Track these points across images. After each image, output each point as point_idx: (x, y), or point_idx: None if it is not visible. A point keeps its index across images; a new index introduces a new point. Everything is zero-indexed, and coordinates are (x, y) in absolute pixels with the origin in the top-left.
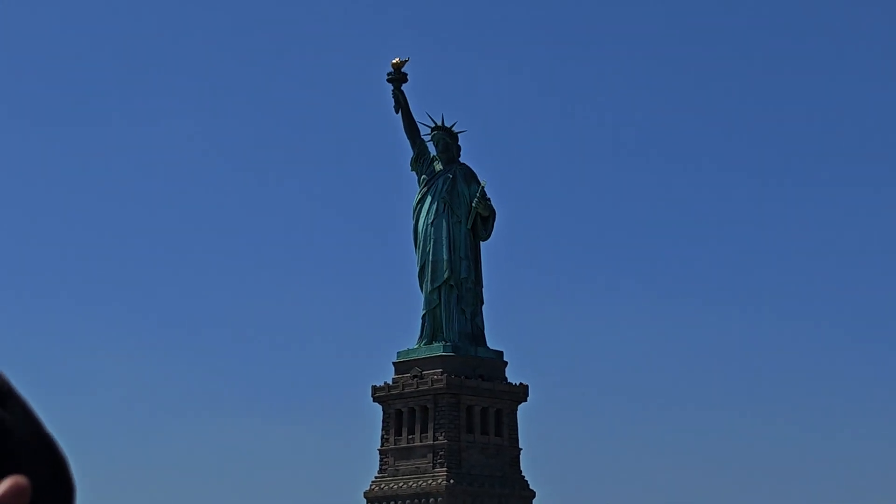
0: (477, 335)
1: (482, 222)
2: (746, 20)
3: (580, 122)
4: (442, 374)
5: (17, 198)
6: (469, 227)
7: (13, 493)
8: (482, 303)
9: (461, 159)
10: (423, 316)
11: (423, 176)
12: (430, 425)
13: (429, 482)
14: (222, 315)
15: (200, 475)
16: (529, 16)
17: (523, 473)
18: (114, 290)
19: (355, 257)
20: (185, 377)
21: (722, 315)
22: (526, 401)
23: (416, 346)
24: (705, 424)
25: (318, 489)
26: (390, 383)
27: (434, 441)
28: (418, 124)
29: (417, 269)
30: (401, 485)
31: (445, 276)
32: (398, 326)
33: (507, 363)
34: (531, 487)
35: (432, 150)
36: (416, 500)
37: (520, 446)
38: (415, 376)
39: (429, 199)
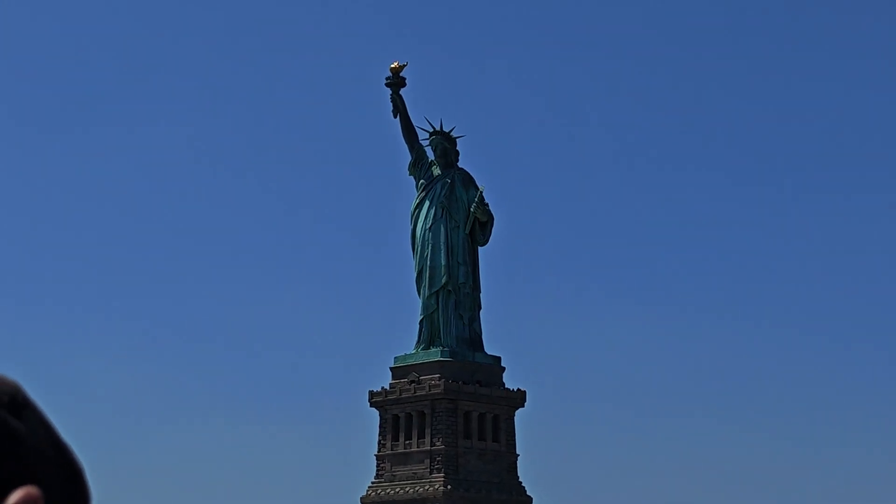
0: (474, 340)
1: (480, 227)
2: (748, 27)
3: (579, 127)
4: (439, 379)
5: (10, 201)
6: (467, 232)
7: (25, 503)
8: (480, 308)
9: (459, 164)
10: (421, 321)
11: (421, 180)
12: (428, 431)
13: (426, 488)
14: (220, 319)
15: (198, 480)
16: (529, 21)
17: (520, 479)
18: (113, 293)
19: (353, 262)
20: (182, 381)
21: (720, 322)
22: (523, 407)
23: (413, 352)
24: (703, 431)
25: (315, 494)
26: (387, 388)
27: (431, 446)
28: (416, 129)
29: (415, 274)
30: (398, 490)
31: (443, 281)
32: (396, 331)
33: (504, 369)
34: (528, 493)
35: (430, 155)
36: None
37: (517, 452)
38: (412, 381)
39: (427, 203)
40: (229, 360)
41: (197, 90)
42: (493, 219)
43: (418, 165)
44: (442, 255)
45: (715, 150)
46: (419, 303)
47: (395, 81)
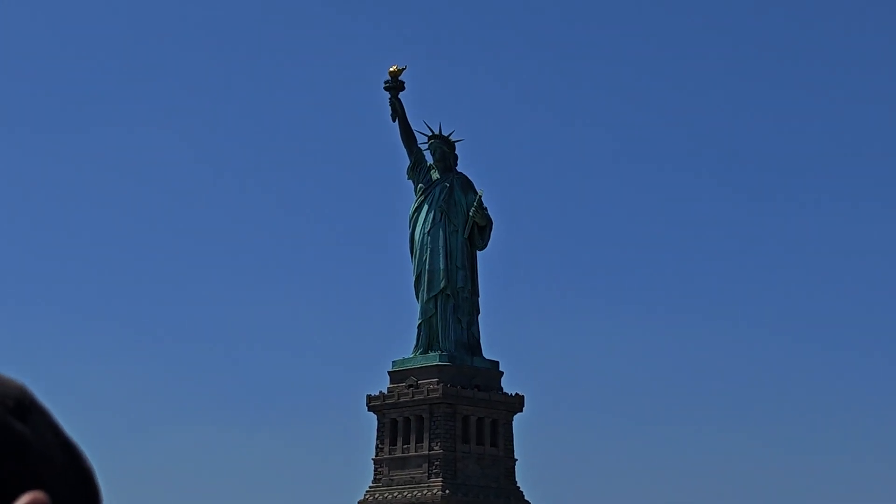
0: (473, 345)
1: (479, 231)
2: (745, 32)
3: (578, 131)
4: (438, 383)
5: (7, 202)
6: (466, 236)
7: None
8: (478, 312)
9: (458, 168)
10: (419, 325)
11: (420, 185)
12: (426, 435)
13: (424, 492)
14: (218, 322)
15: (196, 484)
16: (528, 25)
17: (518, 484)
18: (112, 295)
19: (351, 266)
20: (181, 385)
21: (719, 327)
22: (521, 411)
23: (411, 356)
24: (701, 435)
25: (313, 498)
26: (385, 392)
27: (430, 451)
28: (415, 133)
29: (413, 278)
30: (395, 495)
31: (442, 285)
32: (394, 335)
33: (502, 373)
34: (526, 498)
35: (429, 159)
36: None
37: (515, 457)
38: (410, 386)
39: (425, 207)
40: (227, 364)
41: (196, 93)
42: (491, 223)
43: (417, 169)
44: (441, 259)
45: (715, 155)
46: (417, 307)
47: (394, 85)
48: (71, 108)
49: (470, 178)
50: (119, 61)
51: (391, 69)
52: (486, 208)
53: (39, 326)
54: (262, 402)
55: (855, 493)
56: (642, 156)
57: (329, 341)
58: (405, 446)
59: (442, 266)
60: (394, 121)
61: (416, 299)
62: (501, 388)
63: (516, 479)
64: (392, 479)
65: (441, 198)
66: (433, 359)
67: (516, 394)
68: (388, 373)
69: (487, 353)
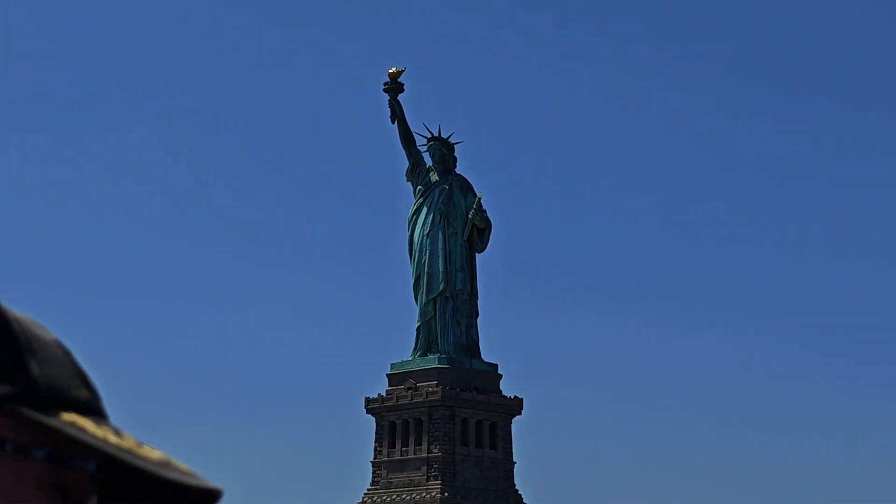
0: (472, 347)
1: (478, 234)
2: (744, 34)
3: (577, 134)
4: (437, 386)
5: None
6: (465, 238)
7: None
8: (477, 315)
9: (457, 170)
10: (418, 327)
11: (419, 186)
12: (425, 438)
13: (423, 495)
14: (216, 324)
15: None
16: (528, 27)
17: (517, 487)
18: (112, 296)
19: (350, 268)
20: (178, 386)
21: (718, 330)
22: (520, 414)
23: (410, 358)
24: (700, 438)
25: (311, 501)
26: (384, 395)
27: (428, 454)
28: (414, 135)
29: (412, 281)
30: (394, 497)
31: (441, 287)
32: (392, 338)
33: (501, 376)
34: (525, 501)
35: (428, 161)
36: None
37: (514, 460)
38: (409, 388)
39: (424, 210)
40: (226, 365)
41: (194, 95)
42: (491, 225)
43: (416, 171)
44: (440, 261)
45: (716, 158)
46: (416, 309)
47: (394, 87)
48: (69, 111)
49: (469, 180)
50: (119, 61)
51: (390, 71)
52: (485, 210)
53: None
54: (261, 403)
55: (854, 495)
56: (642, 158)
57: (328, 343)
58: (404, 449)
59: (441, 268)
60: (393, 122)
61: (414, 301)
62: (500, 391)
63: (515, 482)
64: (391, 482)
65: (440, 200)
66: (432, 361)
67: (515, 396)
68: (387, 375)
69: (486, 356)
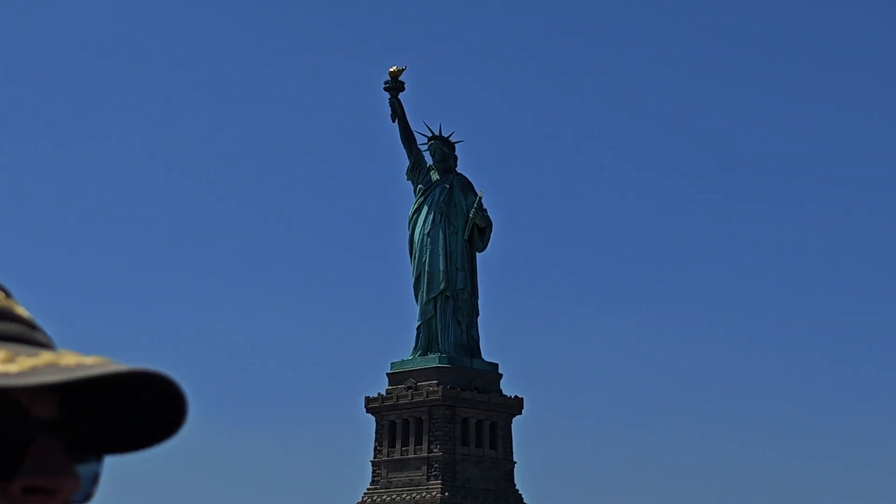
0: (472, 347)
1: (479, 233)
2: (743, 38)
3: (578, 134)
4: (437, 385)
5: None
6: (466, 237)
7: None
8: (478, 314)
9: (458, 169)
10: (418, 327)
11: (420, 185)
12: (425, 437)
13: (423, 495)
14: (214, 323)
15: (193, 486)
16: (529, 26)
17: (517, 487)
18: (111, 296)
19: (350, 267)
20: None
21: (718, 332)
22: (521, 414)
23: (410, 357)
24: (700, 439)
25: (311, 500)
26: (384, 394)
27: (429, 453)
28: (415, 133)
29: (413, 280)
30: (394, 497)
31: (441, 286)
32: (393, 337)
33: (501, 375)
34: (525, 501)
35: (429, 160)
36: None
37: (514, 460)
38: (409, 387)
39: (425, 209)
40: (225, 365)
41: (194, 93)
42: (491, 225)
43: (416, 170)
44: (440, 260)
45: (715, 161)
46: (417, 308)
47: (394, 86)
48: (67, 112)
49: (470, 179)
50: (119, 61)
51: (391, 69)
52: (486, 210)
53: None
54: (260, 402)
55: (854, 495)
56: (643, 159)
57: (328, 342)
58: (404, 448)
59: (441, 267)
60: (393, 121)
61: (415, 301)
62: (501, 391)
63: (515, 482)
64: (391, 482)
65: (441, 199)
66: (432, 360)
67: (515, 396)
68: (387, 374)
69: (487, 356)
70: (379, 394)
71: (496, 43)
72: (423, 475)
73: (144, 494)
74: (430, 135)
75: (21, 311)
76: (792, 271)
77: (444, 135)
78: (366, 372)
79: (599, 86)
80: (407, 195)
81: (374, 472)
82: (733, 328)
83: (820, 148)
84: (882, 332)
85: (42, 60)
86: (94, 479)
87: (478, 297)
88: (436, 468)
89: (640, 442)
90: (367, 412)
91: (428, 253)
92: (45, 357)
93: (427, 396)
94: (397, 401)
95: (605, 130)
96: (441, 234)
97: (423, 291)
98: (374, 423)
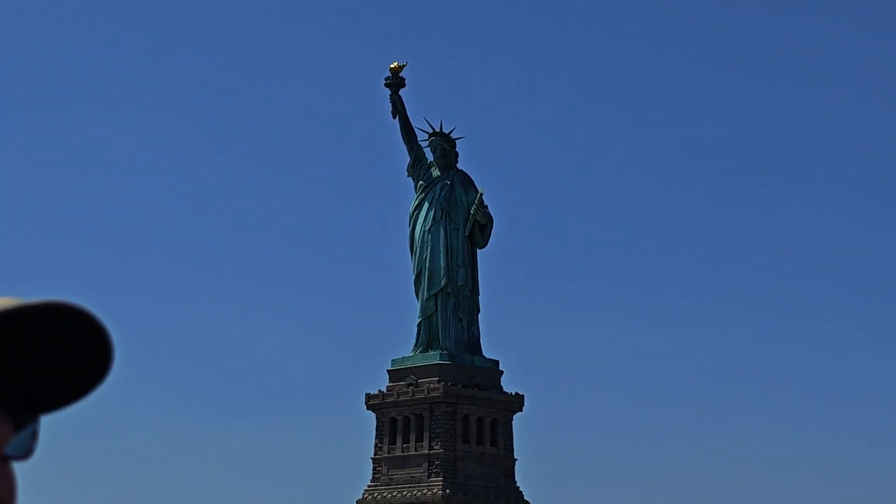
0: (473, 344)
1: (480, 230)
2: (746, 30)
3: (579, 129)
4: (438, 382)
5: None
6: (466, 234)
7: None
8: (479, 311)
9: (459, 166)
10: (419, 323)
11: (421, 182)
12: (426, 434)
13: (424, 492)
14: (216, 320)
15: (194, 482)
16: (530, 23)
17: (518, 484)
18: (111, 295)
19: (350, 263)
20: (178, 383)
21: (720, 327)
22: (521, 410)
23: (411, 354)
24: (702, 435)
25: (311, 497)
26: (385, 391)
27: (430, 450)
28: (416, 130)
29: (413, 276)
30: (395, 494)
31: (442, 283)
32: (393, 334)
33: (502, 372)
34: (526, 498)
35: (429, 156)
36: None
37: (515, 456)
38: (410, 384)
39: (426, 205)
40: (226, 361)
41: (195, 91)
42: (492, 221)
43: (417, 166)
44: (441, 257)
45: (718, 154)
46: (417, 305)
47: (395, 82)
48: (66, 109)
49: (471, 175)
50: (119, 60)
51: (392, 66)
52: (486, 206)
53: None
54: (261, 399)
55: (854, 495)
56: (644, 154)
57: (328, 339)
58: (405, 445)
59: (442, 264)
60: (394, 118)
61: (416, 297)
62: (501, 388)
63: (516, 479)
64: (391, 479)
65: (442, 195)
66: (433, 357)
67: (516, 393)
68: (388, 371)
69: (487, 352)
70: (380, 390)
71: (497, 39)
72: (424, 472)
73: (145, 491)
74: (431, 131)
75: None
76: (792, 271)
77: (445, 131)
78: (366, 369)
79: (601, 82)
80: (408, 192)
81: (374, 468)
82: (734, 326)
83: (820, 150)
84: (882, 333)
85: (42, 61)
86: (33, 435)
87: (479, 294)
88: (437, 465)
89: (641, 439)
90: (367, 409)
91: (429, 249)
92: None
93: (428, 393)
94: (398, 398)
95: (606, 126)
96: (442, 231)
97: (423, 288)
98: (375, 420)
